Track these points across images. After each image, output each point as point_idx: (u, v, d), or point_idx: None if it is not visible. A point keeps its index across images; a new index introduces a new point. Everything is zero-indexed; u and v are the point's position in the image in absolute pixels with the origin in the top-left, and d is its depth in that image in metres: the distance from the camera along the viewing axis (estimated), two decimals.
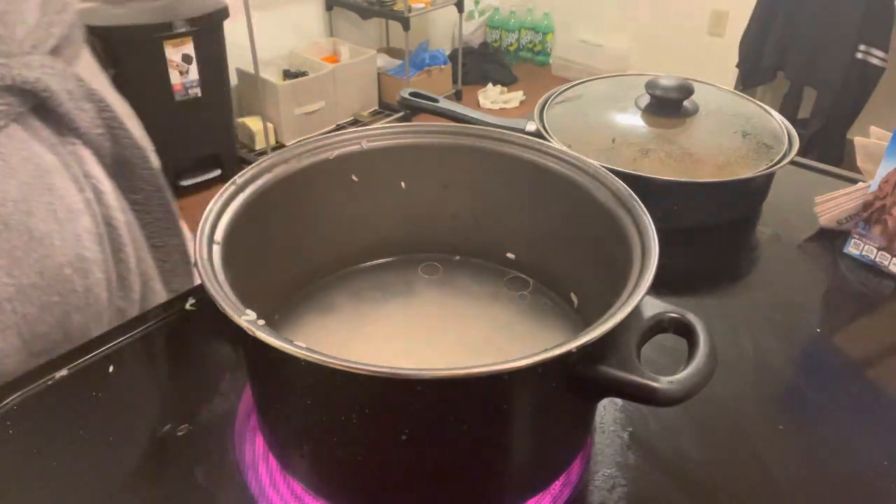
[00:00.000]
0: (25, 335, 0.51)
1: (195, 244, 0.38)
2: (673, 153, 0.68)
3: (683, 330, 0.37)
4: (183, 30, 2.09)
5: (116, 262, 0.57)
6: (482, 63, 3.38)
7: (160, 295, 0.62)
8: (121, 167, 0.57)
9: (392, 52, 3.13)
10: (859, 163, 0.70)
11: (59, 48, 0.54)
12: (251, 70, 2.42)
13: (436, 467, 0.37)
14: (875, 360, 0.56)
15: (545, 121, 0.73)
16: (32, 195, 0.50)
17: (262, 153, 2.54)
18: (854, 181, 0.73)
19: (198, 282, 0.65)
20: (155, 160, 0.61)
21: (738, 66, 2.49)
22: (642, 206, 0.42)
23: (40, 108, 0.51)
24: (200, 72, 2.18)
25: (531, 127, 0.72)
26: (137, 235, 0.59)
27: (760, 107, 0.76)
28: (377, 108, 2.90)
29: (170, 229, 0.62)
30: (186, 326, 0.55)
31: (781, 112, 0.76)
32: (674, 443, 0.46)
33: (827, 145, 2.29)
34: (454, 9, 2.98)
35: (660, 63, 3.06)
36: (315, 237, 0.51)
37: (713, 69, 2.66)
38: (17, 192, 0.49)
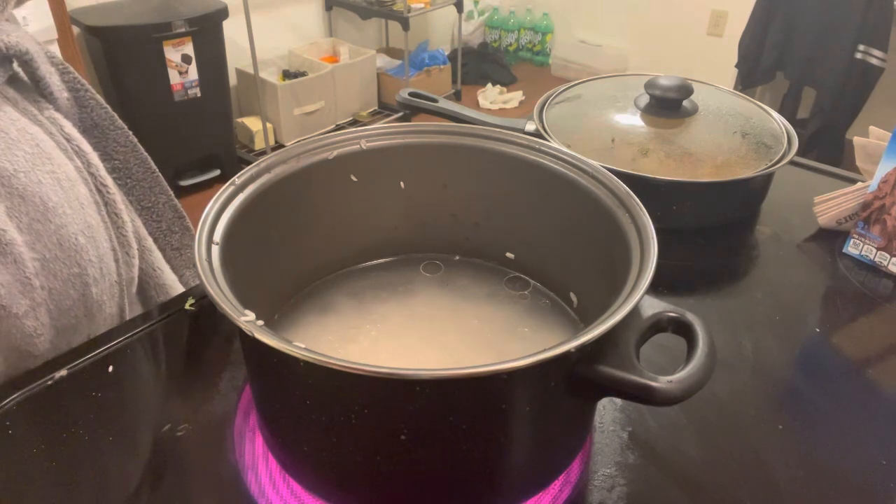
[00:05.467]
0: (53, 312, 0.50)
1: (195, 245, 0.38)
2: (672, 153, 0.69)
3: (682, 329, 0.37)
4: (182, 30, 2.09)
5: (116, 227, 0.55)
6: (481, 63, 3.38)
7: (159, 263, 0.60)
8: (91, 132, 0.55)
9: (391, 52, 3.13)
10: (858, 163, 0.70)
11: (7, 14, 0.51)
12: (250, 70, 2.42)
13: (435, 467, 0.37)
14: (874, 359, 0.56)
15: (544, 121, 0.73)
16: (36, 165, 0.48)
17: (262, 153, 2.54)
18: (853, 181, 0.73)
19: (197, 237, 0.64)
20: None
21: (737, 66, 2.49)
22: (641, 205, 0.42)
23: (13, 79, 0.49)
24: (200, 72, 2.18)
25: (531, 127, 0.72)
26: (125, 200, 0.57)
27: (760, 107, 0.76)
28: (377, 108, 2.90)
29: (155, 187, 0.60)
30: (186, 326, 0.55)
31: (781, 112, 0.76)
32: (673, 442, 0.46)
33: (826, 145, 2.30)
34: (453, 9, 2.98)
35: (659, 63, 3.07)
36: (315, 237, 0.51)
37: (712, 69, 2.66)
38: (24, 163, 0.47)
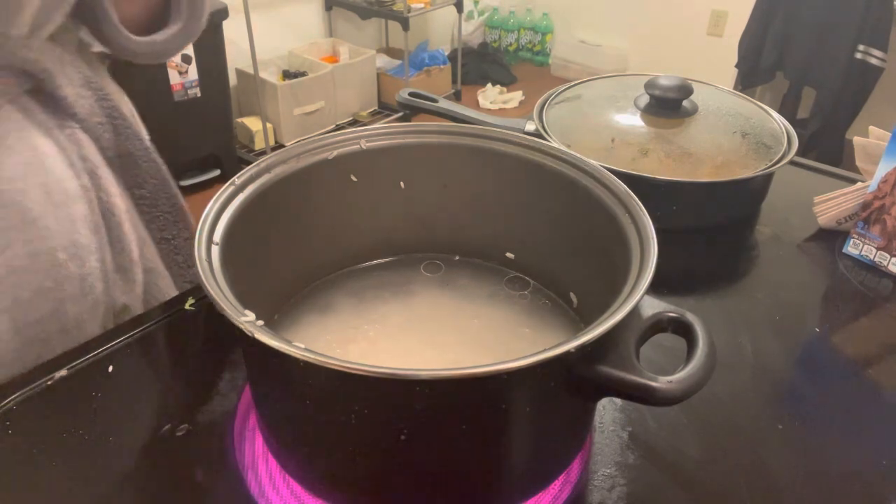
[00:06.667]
0: (18, 321, 0.50)
1: (194, 245, 0.38)
2: (672, 153, 0.69)
3: (682, 329, 0.37)
4: None
5: (116, 252, 0.56)
6: (481, 63, 3.38)
7: (169, 291, 0.61)
8: (123, 160, 0.56)
9: (391, 52, 3.13)
10: (858, 163, 0.70)
11: (57, 36, 0.53)
12: (250, 70, 2.42)
13: (435, 467, 0.37)
14: (874, 359, 0.56)
15: (544, 121, 0.73)
16: (28, 175, 0.49)
17: (262, 153, 2.54)
18: (853, 181, 0.73)
19: None
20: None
21: (737, 66, 2.49)
22: (641, 205, 0.42)
23: (37, 91, 0.51)
24: (200, 72, 2.18)
25: (531, 127, 0.72)
26: (141, 229, 0.59)
27: (759, 107, 0.76)
28: (376, 108, 2.90)
29: (179, 222, 0.61)
30: (186, 326, 0.55)
31: (781, 112, 0.76)
32: (673, 442, 0.46)
33: (826, 145, 2.29)
34: (453, 9, 2.98)
35: (659, 63, 3.07)
36: (314, 237, 0.51)
37: (712, 69, 2.66)
38: (11, 172, 0.48)
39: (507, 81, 3.33)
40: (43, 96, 0.51)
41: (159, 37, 0.56)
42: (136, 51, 0.54)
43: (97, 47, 0.57)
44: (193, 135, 2.28)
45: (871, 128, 0.70)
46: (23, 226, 0.49)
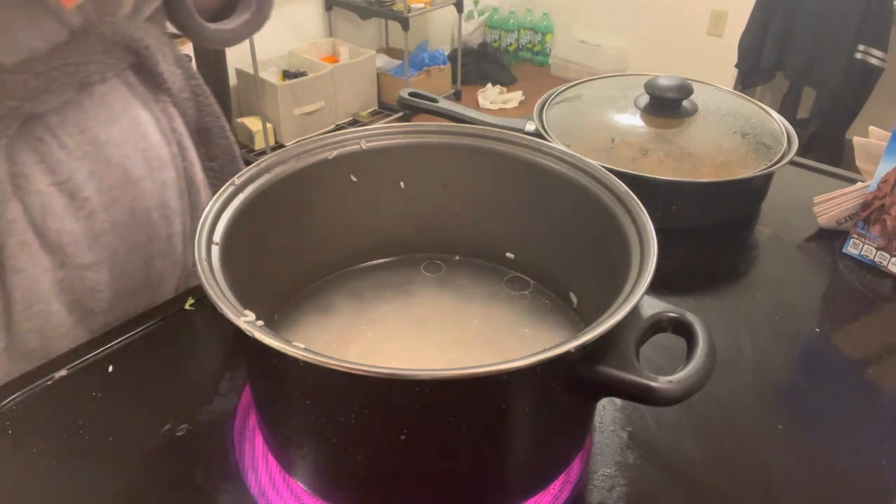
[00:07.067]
0: (115, 272, 0.55)
1: (194, 245, 0.38)
2: (672, 153, 0.69)
3: (682, 329, 0.37)
4: None
5: (193, 217, 0.60)
6: (481, 63, 3.38)
7: None
8: (201, 134, 0.62)
9: (391, 52, 3.13)
10: (858, 163, 0.71)
11: (153, 18, 0.58)
12: (250, 70, 2.41)
13: (435, 467, 0.37)
14: (874, 359, 0.56)
15: (544, 121, 0.73)
16: (130, 141, 0.54)
17: (262, 153, 2.54)
18: (853, 181, 0.73)
19: None
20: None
21: (737, 66, 2.49)
22: (641, 205, 0.42)
23: (138, 67, 0.56)
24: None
25: (530, 127, 0.72)
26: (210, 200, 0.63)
27: (759, 107, 0.76)
28: (376, 108, 2.90)
29: None
30: (186, 326, 0.55)
31: (780, 112, 0.76)
32: (673, 442, 0.46)
33: (826, 145, 2.29)
34: (453, 9, 2.97)
35: (659, 63, 3.06)
36: (314, 237, 0.51)
37: (712, 69, 2.66)
38: (117, 137, 0.54)
39: (507, 81, 3.33)
40: (143, 71, 0.56)
41: (228, 25, 0.61)
42: (208, 37, 0.60)
43: (169, 30, 0.62)
44: None
45: (871, 128, 0.70)
46: (126, 186, 0.54)
